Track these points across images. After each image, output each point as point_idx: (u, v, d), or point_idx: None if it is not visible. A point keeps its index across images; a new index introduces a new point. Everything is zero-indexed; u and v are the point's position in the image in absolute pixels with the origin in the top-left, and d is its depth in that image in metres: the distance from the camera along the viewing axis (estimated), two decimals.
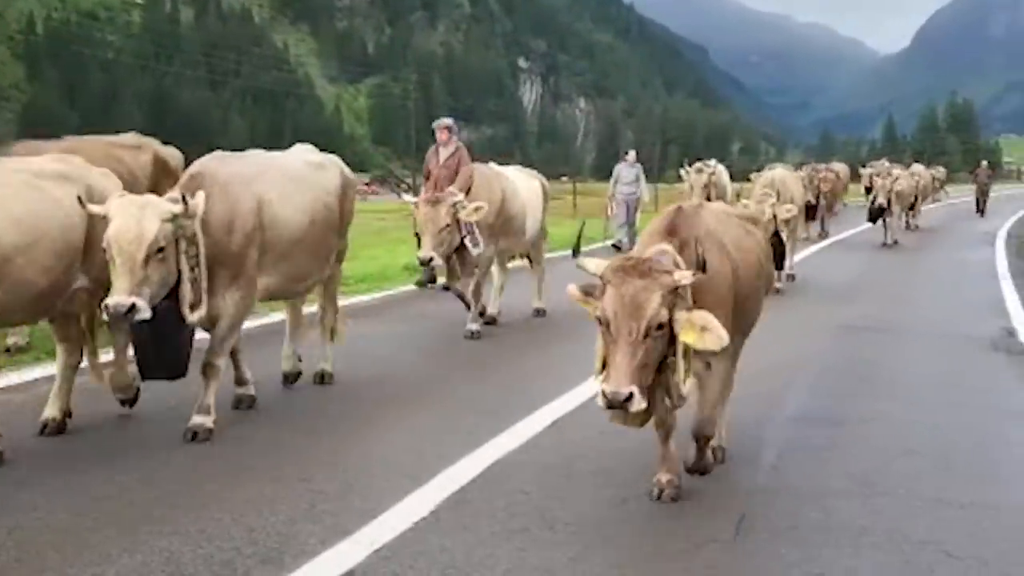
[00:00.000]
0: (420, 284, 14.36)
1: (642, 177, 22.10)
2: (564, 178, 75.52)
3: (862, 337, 11.53)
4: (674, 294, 4.88)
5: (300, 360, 8.35)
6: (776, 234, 12.90)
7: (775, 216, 13.34)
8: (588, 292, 5.02)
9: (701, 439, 5.68)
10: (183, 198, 6.30)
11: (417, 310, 12.75)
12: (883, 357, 10.45)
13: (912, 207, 27.76)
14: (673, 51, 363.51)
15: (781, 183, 15.44)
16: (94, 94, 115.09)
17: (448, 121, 12.07)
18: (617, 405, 4.70)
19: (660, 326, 4.82)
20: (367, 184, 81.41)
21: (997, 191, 64.12)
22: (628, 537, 5.09)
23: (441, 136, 11.83)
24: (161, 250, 6.14)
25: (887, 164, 29.88)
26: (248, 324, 8.44)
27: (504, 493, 5.75)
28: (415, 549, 4.92)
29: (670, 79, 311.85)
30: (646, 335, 4.77)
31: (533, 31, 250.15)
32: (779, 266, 13.54)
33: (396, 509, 5.42)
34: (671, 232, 5.36)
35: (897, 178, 23.78)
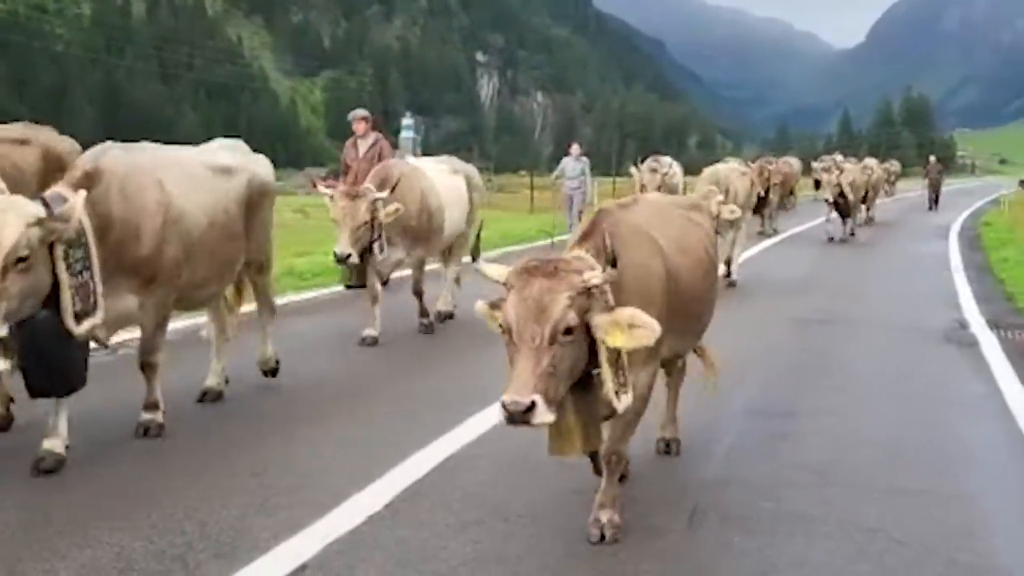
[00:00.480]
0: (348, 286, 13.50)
1: (588, 172, 21.20)
2: (522, 172, 75.69)
3: (816, 330, 11.64)
4: (587, 296, 4.35)
5: (227, 381, 7.79)
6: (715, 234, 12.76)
7: (718, 215, 12.86)
8: (496, 305, 4.51)
9: (611, 459, 5.09)
10: (44, 202, 5.57)
11: None
12: (837, 350, 10.56)
13: (864, 200, 27.34)
14: (631, 45, 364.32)
15: (726, 180, 14.63)
16: (44, 88, 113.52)
17: (364, 112, 11.62)
18: (518, 418, 4.09)
19: (569, 330, 4.26)
20: (323, 179, 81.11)
21: (951, 185, 64.93)
22: (582, 528, 5.08)
23: (358, 128, 11.41)
24: (23, 259, 5.37)
25: (840, 158, 30.02)
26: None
27: (458, 486, 5.75)
28: (370, 542, 4.92)
29: (628, 73, 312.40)
30: (552, 340, 4.21)
31: (491, 26, 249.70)
32: None
33: (350, 503, 5.41)
34: (586, 237, 4.84)
35: (843, 172, 23.28)
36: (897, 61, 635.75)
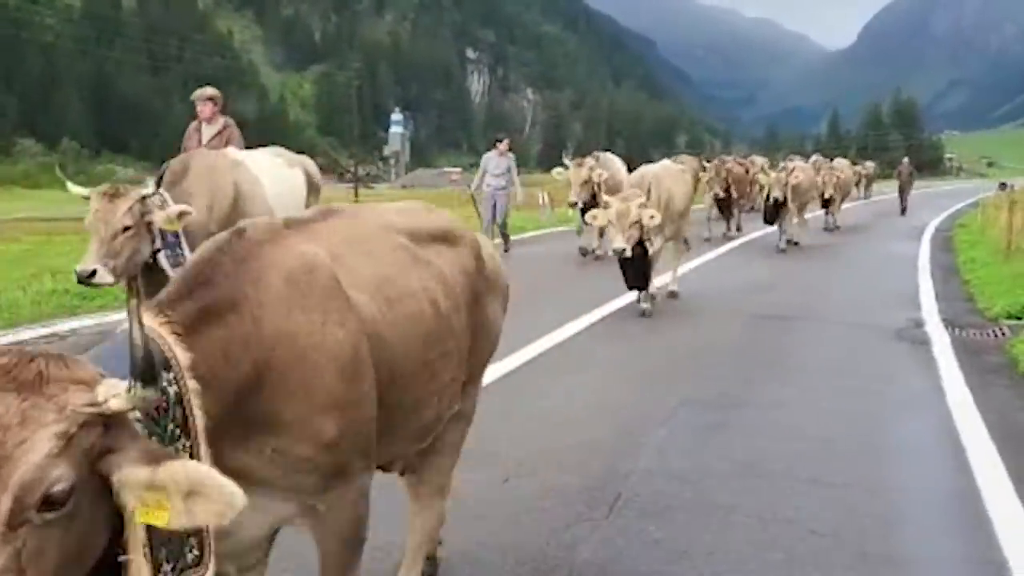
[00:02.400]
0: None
1: (514, 169, 19.25)
2: None
3: (773, 326, 11.72)
4: (99, 430, 2.08)
5: None
6: (640, 243, 11.23)
7: (638, 221, 11.08)
8: None
9: None
10: None
11: None
12: (789, 345, 10.67)
13: (828, 204, 26.02)
14: (620, 43, 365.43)
15: (654, 180, 12.03)
16: (33, 79, 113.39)
17: (210, 91, 9.90)
18: None
19: (51, 502, 1.96)
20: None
21: (937, 187, 64.94)
22: (504, 516, 5.18)
23: (203, 111, 9.89)
24: None
25: (818, 158, 29.81)
26: None
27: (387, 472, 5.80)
28: None
29: (617, 71, 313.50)
30: (16, 522, 1.93)
31: (481, 22, 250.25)
32: (642, 285, 11.84)
33: None
34: (189, 289, 2.71)
35: (792, 171, 20.99)
36: (887, 63, 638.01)
